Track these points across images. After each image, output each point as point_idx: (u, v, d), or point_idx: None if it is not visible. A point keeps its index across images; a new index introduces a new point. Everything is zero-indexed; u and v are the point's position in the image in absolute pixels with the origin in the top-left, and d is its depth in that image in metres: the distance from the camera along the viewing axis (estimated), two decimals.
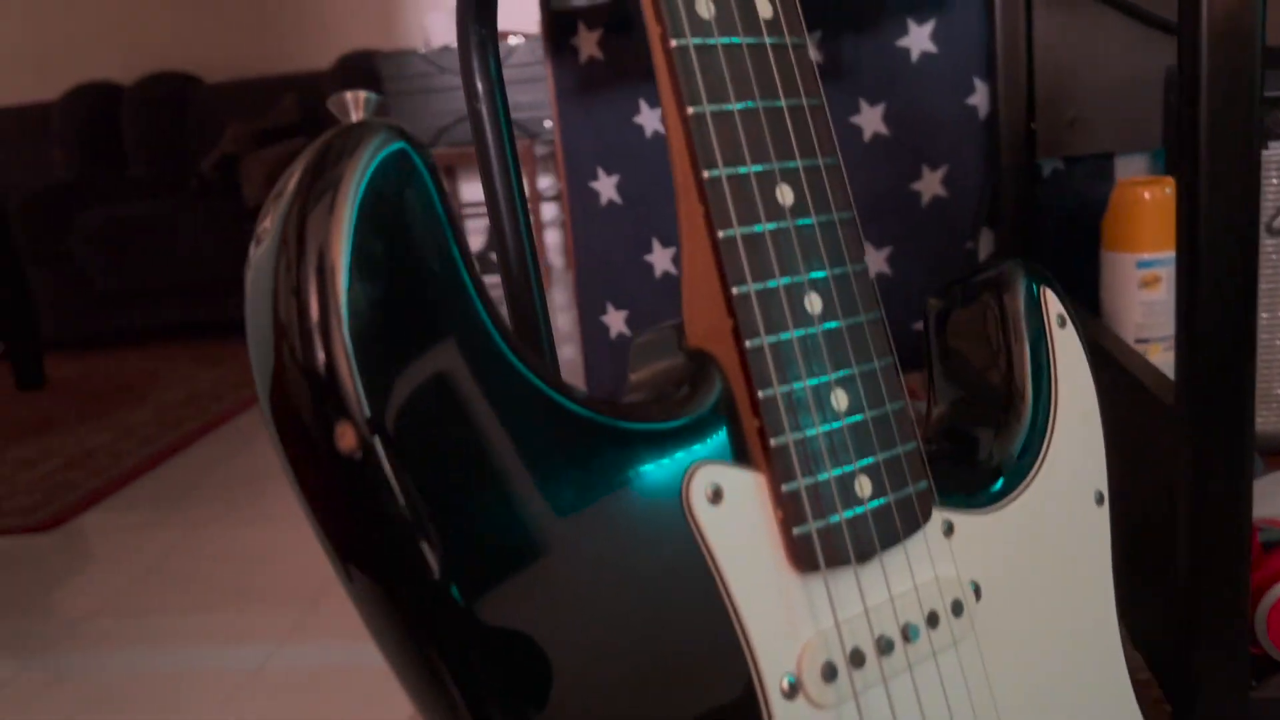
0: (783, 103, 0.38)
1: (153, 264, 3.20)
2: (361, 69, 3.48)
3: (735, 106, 0.37)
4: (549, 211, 3.72)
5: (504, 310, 0.59)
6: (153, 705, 1.26)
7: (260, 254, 0.33)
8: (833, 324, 0.38)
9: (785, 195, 0.37)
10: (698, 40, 0.36)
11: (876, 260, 1.30)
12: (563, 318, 3.18)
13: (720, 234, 0.36)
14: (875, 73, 1.25)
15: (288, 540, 1.71)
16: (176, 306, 3.26)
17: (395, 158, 0.32)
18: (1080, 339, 0.46)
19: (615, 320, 1.34)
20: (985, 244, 1.27)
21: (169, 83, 3.69)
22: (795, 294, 0.37)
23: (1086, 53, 1.16)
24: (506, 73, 2.85)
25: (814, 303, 0.37)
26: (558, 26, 1.27)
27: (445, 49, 3.34)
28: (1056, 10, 1.16)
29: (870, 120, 1.26)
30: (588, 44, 1.27)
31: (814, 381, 0.37)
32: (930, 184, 1.27)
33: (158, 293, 3.24)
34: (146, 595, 1.58)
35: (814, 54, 1.25)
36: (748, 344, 0.36)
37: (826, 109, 0.39)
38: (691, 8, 0.36)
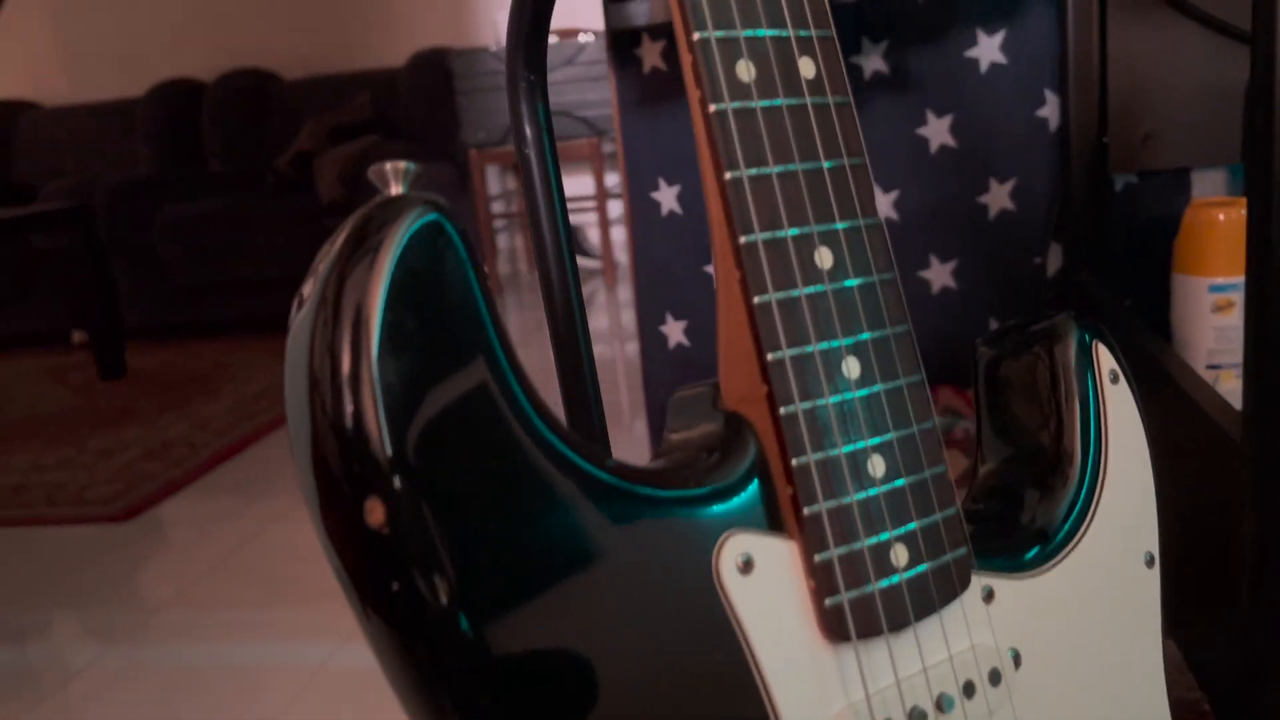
0: (823, 164, 0.38)
1: (230, 258, 3.28)
2: (433, 66, 3.52)
3: (774, 170, 0.37)
4: (615, 209, 3.74)
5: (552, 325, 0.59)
6: (222, 698, 1.29)
7: (301, 315, 0.34)
8: (871, 389, 0.37)
9: (824, 258, 0.37)
10: (737, 104, 0.36)
11: (941, 274, 1.28)
12: (627, 315, 3.19)
13: (756, 299, 0.36)
14: (943, 83, 1.23)
15: None
16: (252, 300, 3.33)
17: (430, 228, 0.32)
18: (1134, 396, 0.45)
19: (674, 330, 1.34)
20: (1054, 259, 1.25)
21: (248, 79, 3.77)
22: (832, 359, 0.37)
23: (1163, 64, 1.13)
24: (575, 70, 2.86)
25: (851, 367, 0.37)
26: (621, 37, 1.27)
27: None
28: (1131, 21, 1.13)
29: (937, 131, 1.24)
30: (651, 55, 1.27)
31: (850, 448, 0.36)
32: (998, 197, 1.24)
33: (234, 286, 3.32)
34: (217, 588, 1.63)
35: (880, 64, 1.24)
36: (782, 411, 0.36)
37: (869, 167, 0.39)
38: (732, 71, 0.36)
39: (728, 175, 0.36)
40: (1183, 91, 1.13)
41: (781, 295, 0.36)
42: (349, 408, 0.31)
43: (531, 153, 0.49)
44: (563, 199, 0.50)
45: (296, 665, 1.34)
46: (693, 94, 0.37)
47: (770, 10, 0.37)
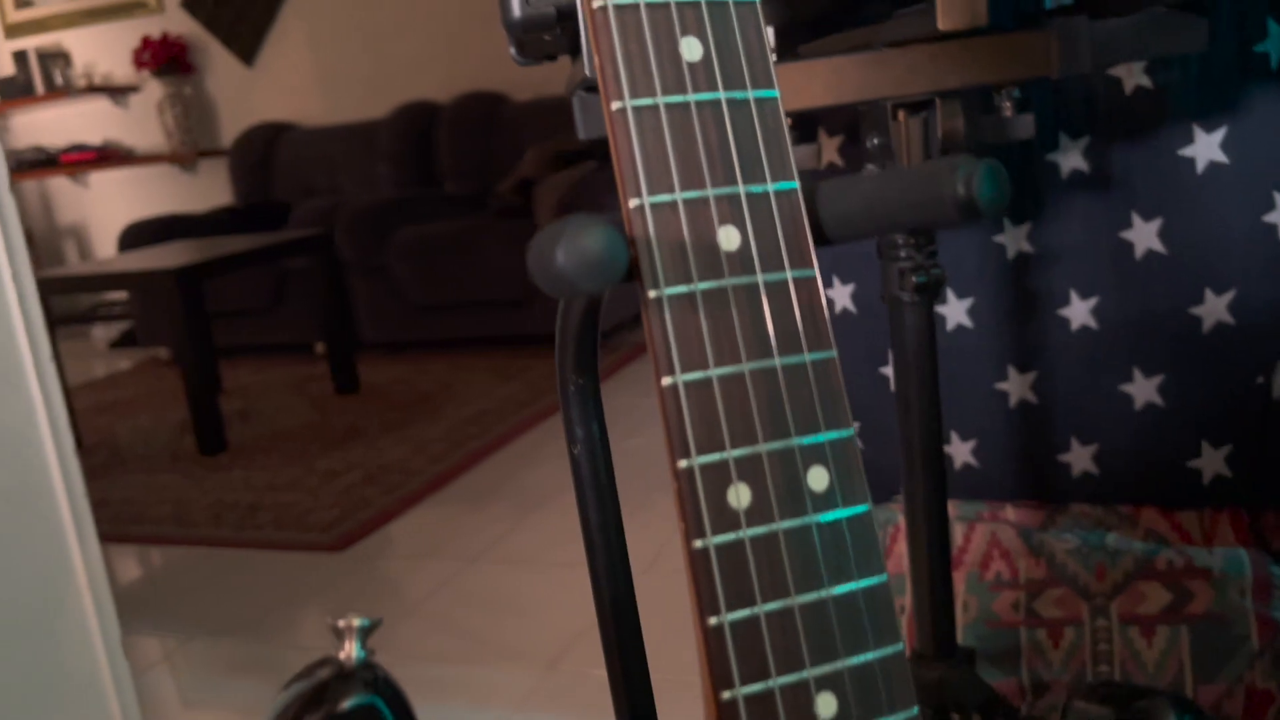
0: (829, 592, 0.33)
1: (457, 278, 3.43)
2: None
3: (763, 609, 0.33)
4: None
5: None
6: None
7: None
8: None
9: (825, 706, 0.33)
10: (721, 540, 0.33)
11: (1146, 389, 1.15)
12: None
13: None
14: (1152, 184, 1.10)
15: (539, 587, 1.80)
16: (476, 319, 3.48)
17: (368, 710, 0.31)
18: None
19: None
20: None
21: (480, 101, 3.93)
22: None
23: None
24: None
25: None
26: (800, 129, 1.22)
27: None
28: None
29: (1144, 236, 1.12)
30: (829, 150, 1.21)
31: None
32: (1214, 309, 1.11)
33: (460, 305, 3.48)
34: (411, 637, 1.71)
35: (1079, 162, 1.13)
36: None
37: (890, 588, 0.34)
38: (720, 501, 0.33)
39: (710, 621, 0.33)
40: None
41: None
42: None
43: (581, 453, 0.47)
44: (614, 497, 0.48)
45: None
46: (680, 524, 0.33)
47: (773, 422, 0.33)
